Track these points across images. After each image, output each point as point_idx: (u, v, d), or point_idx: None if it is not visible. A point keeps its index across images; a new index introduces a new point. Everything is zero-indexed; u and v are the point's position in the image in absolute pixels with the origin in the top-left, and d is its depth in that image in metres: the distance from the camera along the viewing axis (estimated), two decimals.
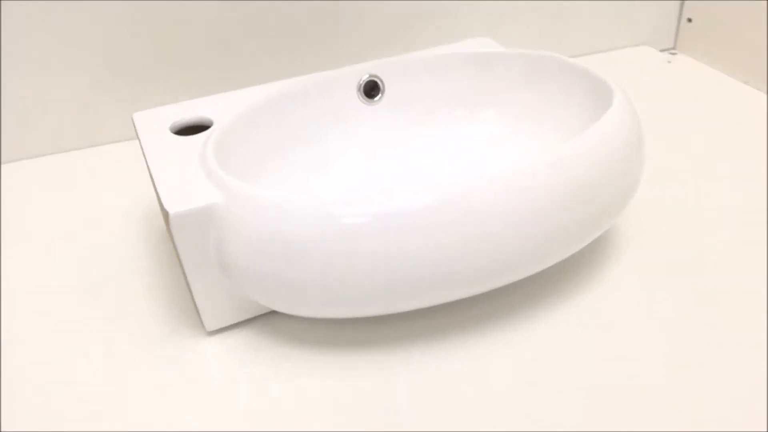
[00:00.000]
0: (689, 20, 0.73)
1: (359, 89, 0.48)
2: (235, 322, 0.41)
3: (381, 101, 0.49)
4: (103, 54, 0.58)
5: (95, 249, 0.49)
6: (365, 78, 0.48)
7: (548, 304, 0.41)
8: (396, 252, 0.34)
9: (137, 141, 0.53)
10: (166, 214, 0.36)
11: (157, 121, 0.45)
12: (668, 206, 0.49)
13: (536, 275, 0.42)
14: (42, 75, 0.57)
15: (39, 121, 0.59)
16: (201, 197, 0.36)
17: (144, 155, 0.42)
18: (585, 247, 0.44)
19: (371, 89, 0.49)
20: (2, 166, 0.60)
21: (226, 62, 0.61)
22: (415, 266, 0.35)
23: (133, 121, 0.45)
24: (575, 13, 0.70)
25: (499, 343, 0.39)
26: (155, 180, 0.39)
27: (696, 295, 0.42)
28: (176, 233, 0.36)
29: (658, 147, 0.55)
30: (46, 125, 0.60)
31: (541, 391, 0.36)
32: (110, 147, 0.62)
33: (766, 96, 0.63)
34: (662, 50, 0.76)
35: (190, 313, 0.42)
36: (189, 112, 0.45)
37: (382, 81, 0.49)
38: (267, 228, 0.35)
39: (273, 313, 0.42)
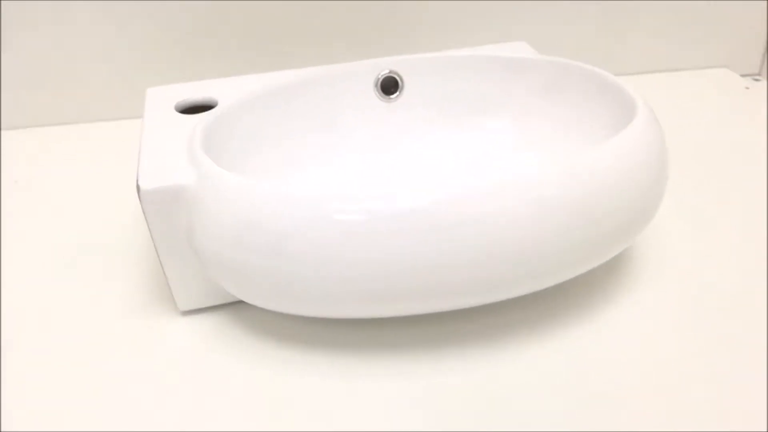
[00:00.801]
0: None
1: (376, 85, 0.47)
2: (210, 305, 0.41)
3: (398, 99, 0.47)
4: (149, 25, 0.59)
5: (84, 222, 0.50)
6: (384, 73, 0.47)
7: (551, 321, 0.39)
8: (372, 256, 0.32)
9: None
10: (138, 190, 0.36)
11: (169, 97, 0.45)
12: (702, 237, 0.45)
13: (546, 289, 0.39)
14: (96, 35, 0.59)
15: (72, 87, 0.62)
16: (174, 176, 0.36)
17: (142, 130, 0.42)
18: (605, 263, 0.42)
19: (390, 86, 0.47)
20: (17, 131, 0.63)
21: (261, 46, 0.60)
22: (392, 271, 0.33)
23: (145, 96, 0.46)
24: (648, 26, 0.66)
25: (480, 360, 0.37)
26: (140, 154, 0.39)
27: (715, 324, 0.38)
28: (147, 210, 0.36)
29: (689, 169, 0.51)
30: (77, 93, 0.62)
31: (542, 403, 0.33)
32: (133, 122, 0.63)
33: None
34: (744, 75, 0.69)
35: (168, 292, 0.42)
36: (202, 92, 0.45)
37: (401, 78, 0.47)
38: (235, 215, 0.34)
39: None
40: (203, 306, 0.40)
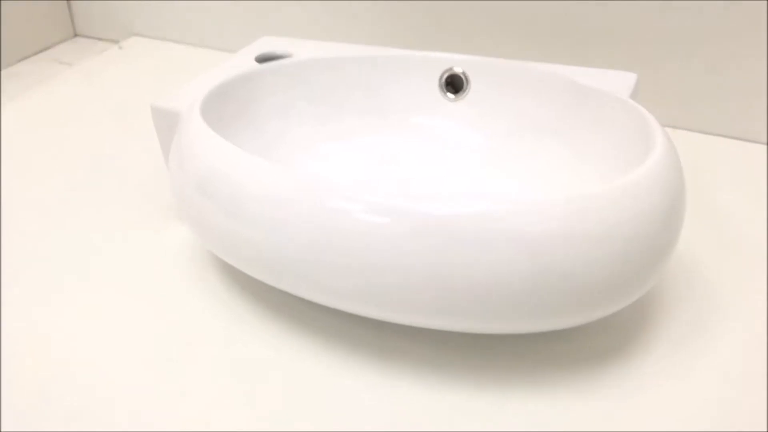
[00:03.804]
0: None
1: (441, 80, 0.45)
2: None
3: (457, 100, 0.45)
4: None
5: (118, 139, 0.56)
6: (454, 71, 0.45)
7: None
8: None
9: None
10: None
11: (272, 46, 0.49)
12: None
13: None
14: None
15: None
16: (179, 104, 0.41)
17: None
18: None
19: (454, 85, 0.45)
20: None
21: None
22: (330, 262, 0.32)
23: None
24: None
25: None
26: (188, 83, 0.44)
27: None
28: (156, 126, 0.42)
29: None
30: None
31: None
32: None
33: None
34: None
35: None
36: (301, 49, 0.48)
37: (467, 79, 0.44)
38: (197, 162, 0.36)
39: None
40: None
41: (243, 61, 0.47)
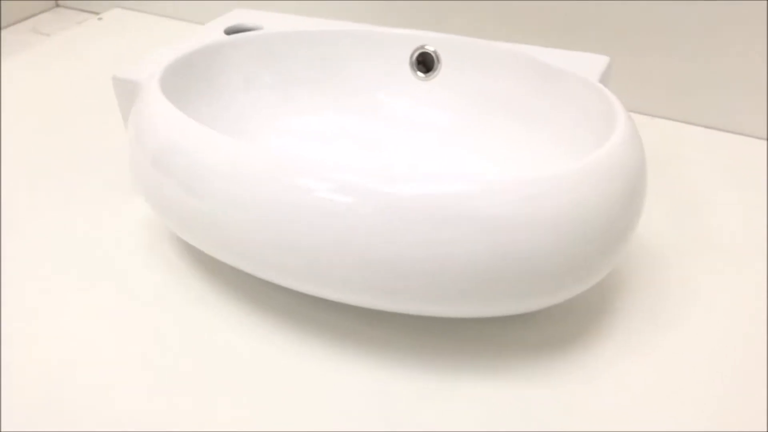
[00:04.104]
0: None
1: (412, 58, 0.44)
2: None
3: (427, 79, 0.44)
4: None
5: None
6: (426, 49, 0.44)
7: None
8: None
9: None
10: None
11: (244, 18, 0.48)
12: None
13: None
14: None
15: None
16: (140, 75, 0.40)
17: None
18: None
19: (424, 64, 0.44)
20: None
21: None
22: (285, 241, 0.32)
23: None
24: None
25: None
26: (152, 53, 0.43)
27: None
28: (118, 97, 0.41)
29: None
30: None
31: None
32: None
33: None
34: None
35: None
36: (271, 22, 0.47)
37: (438, 58, 0.43)
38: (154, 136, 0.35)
39: None
40: None
41: (211, 32, 0.46)
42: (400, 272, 0.30)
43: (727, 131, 0.52)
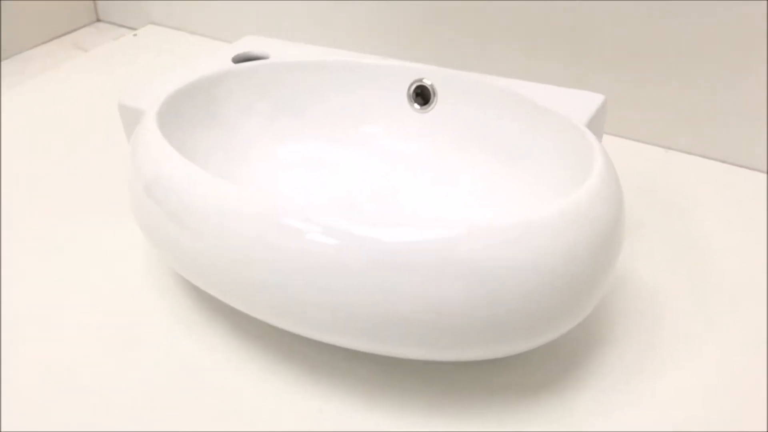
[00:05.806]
0: None
1: (409, 90, 0.45)
2: None
3: (423, 112, 0.44)
4: None
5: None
6: (423, 83, 0.44)
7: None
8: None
9: None
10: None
11: (252, 46, 0.50)
12: None
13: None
14: None
15: None
16: (144, 103, 0.42)
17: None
18: None
19: (421, 97, 0.45)
20: None
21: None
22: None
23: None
24: None
25: None
26: (161, 79, 0.45)
27: None
28: (124, 123, 0.43)
29: None
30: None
31: None
32: None
33: None
34: None
35: None
36: (279, 51, 0.49)
37: (434, 92, 0.44)
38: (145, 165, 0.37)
39: None
40: None
41: (218, 60, 0.48)
42: (383, 318, 0.31)
43: (728, 163, 0.51)
